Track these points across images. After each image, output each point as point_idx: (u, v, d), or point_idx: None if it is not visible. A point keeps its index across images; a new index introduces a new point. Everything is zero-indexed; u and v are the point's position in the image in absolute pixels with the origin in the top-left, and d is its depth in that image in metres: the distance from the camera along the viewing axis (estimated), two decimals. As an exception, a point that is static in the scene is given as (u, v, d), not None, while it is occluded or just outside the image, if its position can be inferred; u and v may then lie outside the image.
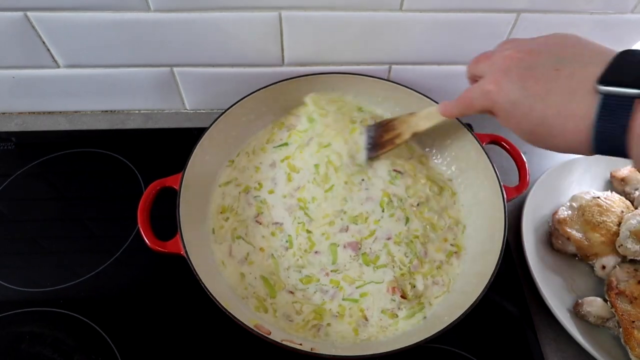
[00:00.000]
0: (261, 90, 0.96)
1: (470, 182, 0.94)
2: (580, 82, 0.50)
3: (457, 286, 0.84)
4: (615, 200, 0.93)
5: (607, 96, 0.47)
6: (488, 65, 0.61)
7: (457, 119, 0.94)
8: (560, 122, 0.51)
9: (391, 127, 0.91)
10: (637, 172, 0.98)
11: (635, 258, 0.86)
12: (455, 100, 0.69)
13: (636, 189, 0.96)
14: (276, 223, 0.90)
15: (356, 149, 0.93)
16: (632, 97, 0.45)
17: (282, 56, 1.01)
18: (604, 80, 0.47)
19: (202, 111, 1.16)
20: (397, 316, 0.81)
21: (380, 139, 0.92)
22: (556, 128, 0.52)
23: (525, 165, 0.90)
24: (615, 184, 1.00)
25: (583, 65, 0.51)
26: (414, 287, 0.83)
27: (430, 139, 1.01)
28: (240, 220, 0.90)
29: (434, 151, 1.01)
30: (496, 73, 0.58)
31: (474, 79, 0.67)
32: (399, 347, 0.70)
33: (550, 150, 0.56)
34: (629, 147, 0.46)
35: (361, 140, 0.93)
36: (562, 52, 0.54)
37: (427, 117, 0.86)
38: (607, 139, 0.48)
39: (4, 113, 1.13)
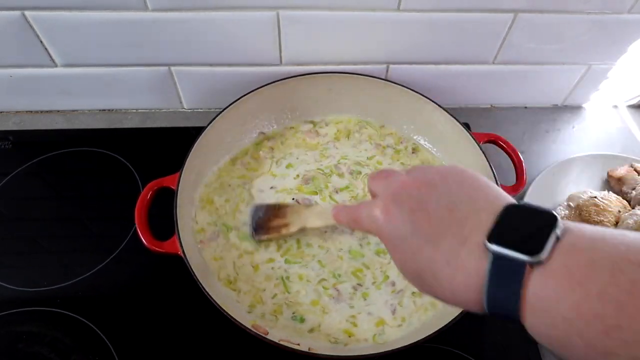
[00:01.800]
0: (259, 90, 0.97)
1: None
2: (472, 231, 0.45)
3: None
4: (612, 200, 0.93)
5: (497, 257, 0.42)
6: (383, 185, 0.55)
7: (454, 117, 0.95)
8: (450, 273, 0.46)
9: (282, 213, 0.87)
10: (634, 172, 0.98)
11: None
12: (347, 210, 0.63)
13: (633, 189, 0.96)
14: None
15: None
16: (522, 262, 0.40)
17: (280, 55, 1.01)
18: (493, 238, 0.43)
19: (199, 110, 1.16)
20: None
21: (268, 222, 0.88)
22: (444, 278, 0.46)
23: (522, 165, 0.90)
24: (612, 183, 1.00)
25: (476, 211, 0.47)
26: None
27: (428, 136, 1.02)
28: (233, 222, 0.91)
29: (431, 148, 1.02)
30: (387, 198, 0.53)
31: (371, 194, 0.61)
32: (397, 347, 0.70)
33: (436, 298, 0.51)
34: (523, 318, 0.42)
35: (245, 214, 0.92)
36: (457, 190, 0.50)
37: (320, 215, 0.84)
38: (499, 306, 0.43)
39: (1, 112, 1.13)
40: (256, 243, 0.88)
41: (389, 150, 1.03)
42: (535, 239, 0.41)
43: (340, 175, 0.98)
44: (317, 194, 0.95)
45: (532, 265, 0.40)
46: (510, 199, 0.47)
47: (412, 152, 1.02)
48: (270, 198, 0.93)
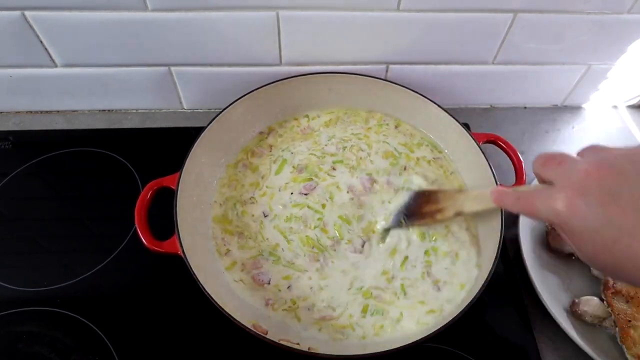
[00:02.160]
0: (259, 90, 0.97)
1: (467, 181, 0.95)
2: None
3: (454, 286, 0.84)
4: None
5: None
6: (559, 173, 0.52)
7: (454, 117, 0.95)
8: None
9: (434, 199, 0.86)
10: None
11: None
12: (514, 196, 0.60)
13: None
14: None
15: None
16: None
17: (280, 56, 1.02)
18: None
19: (199, 110, 1.16)
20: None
21: (420, 208, 0.87)
22: None
23: (522, 165, 0.90)
24: (612, 183, 1.00)
25: None
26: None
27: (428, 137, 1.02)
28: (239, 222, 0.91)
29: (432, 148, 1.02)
30: (570, 189, 0.50)
31: (540, 179, 0.58)
32: (396, 347, 0.70)
33: (635, 285, 0.50)
34: None
35: (397, 200, 0.91)
36: None
37: (477, 199, 0.80)
38: None
39: (1, 112, 1.13)
40: (400, 228, 0.87)
41: (373, 127, 1.04)
42: None
43: (333, 154, 0.98)
44: (312, 179, 0.94)
45: None
46: None
47: (395, 128, 1.04)
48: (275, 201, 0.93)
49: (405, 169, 0.96)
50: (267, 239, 0.88)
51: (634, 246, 0.45)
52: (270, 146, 1.00)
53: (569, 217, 0.49)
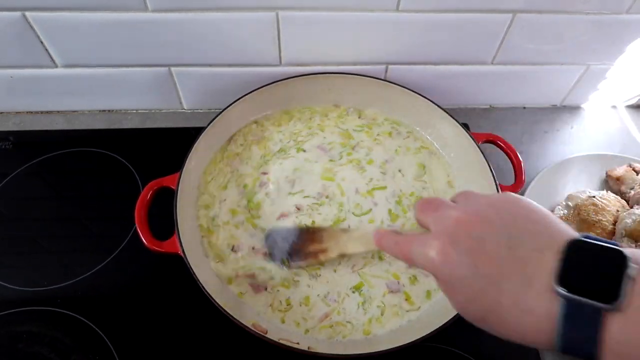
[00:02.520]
0: (258, 90, 0.97)
1: (467, 181, 0.95)
2: (537, 272, 0.44)
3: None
4: (610, 200, 0.93)
5: (570, 302, 0.41)
6: (434, 220, 0.53)
7: (453, 117, 0.95)
8: (517, 315, 0.44)
9: (318, 238, 0.84)
10: (633, 171, 0.98)
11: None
12: (393, 239, 0.59)
13: (631, 189, 0.96)
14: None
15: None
16: (598, 308, 0.40)
17: (280, 56, 1.02)
18: (563, 281, 0.42)
19: (199, 111, 1.16)
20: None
21: (304, 248, 0.85)
22: (511, 320, 0.45)
23: (521, 165, 0.90)
24: (610, 183, 1.00)
25: (538, 249, 0.45)
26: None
27: (427, 135, 1.02)
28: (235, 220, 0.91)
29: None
30: (443, 236, 0.50)
31: (420, 224, 0.58)
32: (395, 346, 0.70)
33: (501, 337, 0.49)
34: (601, 359, 0.40)
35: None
36: (514, 225, 0.48)
37: (360, 240, 0.80)
38: (575, 349, 0.42)
39: (1, 112, 1.13)
40: (287, 270, 0.84)
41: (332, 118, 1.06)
42: (608, 283, 0.40)
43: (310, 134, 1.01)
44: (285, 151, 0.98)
45: (609, 311, 0.39)
46: (572, 233, 0.46)
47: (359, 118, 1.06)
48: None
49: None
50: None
51: (497, 297, 0.46)
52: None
53: (441, 265, 0.49)
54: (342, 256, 0.82)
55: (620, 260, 0.41)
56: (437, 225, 0.52)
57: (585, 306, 0.40)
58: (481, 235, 0.48)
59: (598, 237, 0.44)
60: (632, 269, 0.40)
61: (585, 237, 0.44)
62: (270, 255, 0.85)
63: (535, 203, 0.50)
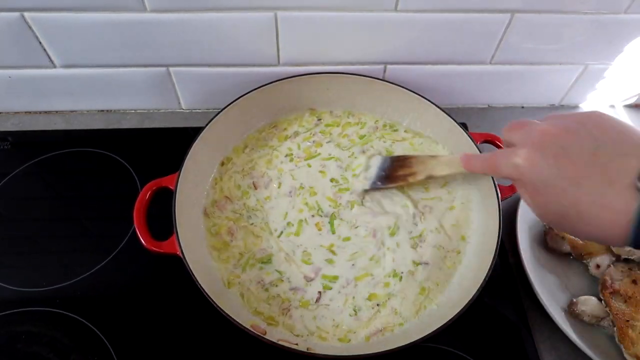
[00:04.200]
0: (257, 90, 0.97)
1: (463, 181, 0.95)
2: (619, 173, 0.47)
3: (452, 285, 0.85)
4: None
5: None
6: (522, 134, 0.57)
7: (452, 117, 0.95)
8: (595, 212, 0.48)
9: (407, 163, 0.91)
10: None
11: (629, 257, 0.86)
12: (480, 158, 0.67)
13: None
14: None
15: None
16: None
17: (278, 56, 1.02)
18: None
19: (198, 111, 1.16)
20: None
21: (394, 172, 0.92)
22: (590, 217, 0.49)
23: (519, 165, 0.90)
24: (609, 183, 1.01)
25: (622, 156, 0.48)
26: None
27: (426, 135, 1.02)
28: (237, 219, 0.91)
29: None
30: (530, 146, 0.55)
31: (507, 144, 0.63)
32: (395, 347, 0.70)
33: (578, 237, 0.53)
34: None
35: (371, 166, 0.95)
36: (600, 135, 0.51)
37: (448, 164, 0.85)
38: None
39: (0, 113, 1.13)
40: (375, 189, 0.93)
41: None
42: None
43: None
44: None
45: None
46: None
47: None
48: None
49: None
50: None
51: (577, 196, 0.50)
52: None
53: (526, 170, 0.54)
54: (430, 178, 0.88)
55: None
56: (525, 138, 0.56)
57: None
58: (566, 144, 0.52)
59: None
60: None
61: None
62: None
63: (619, 119, 0.53)
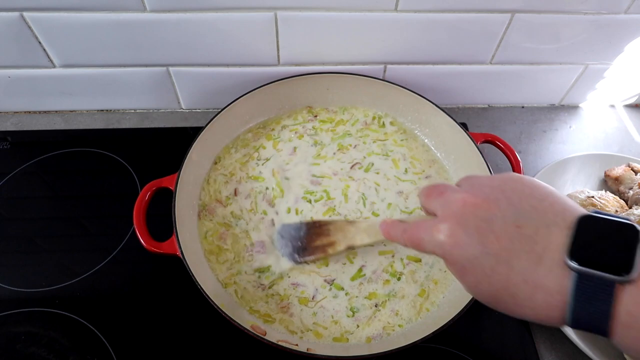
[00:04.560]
0: (257, 90, 0.97)
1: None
2: (546, 248, 0.44)
3: (451, 286, 0.85)
4: (609, 200, 0.93)
5: (582, 276, 0.41)
6: (440, 204, 0.54)
7: (452, 117, 0.95)
8: (529, 292, 0.45)
9: (325, 231, 0.84)
10: (631, 171, 0.98)
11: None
12: (401, 228, 0.59)
13: (630, 189, 0.96)
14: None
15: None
16: (610, 281, 0.40)
17: (278, 56, 1.02)
18: (575, 255, 0.42)
19: (197, 110, 1.16)
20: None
21: (311, 242, 0.85)
22: (523, 297, 0.46)
23: (519, 164, 0.90)
24: (609, 183, 1.00)
25: (546, 226, 0.46)
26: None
27: (428, 136, 1.02)
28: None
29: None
30: (450, 219, 0.51)
31: (426, 211, 0.59)
32: (396, 347, 0.70)
33: (515, 316, 0.49)
34: (612, 333, 0.41)
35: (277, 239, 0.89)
36: (520, 203, 0.48)
37: (367, 231, 0.78)
38: (586, 323, 0.42)
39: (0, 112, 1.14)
40: (296, 265, 0.85)
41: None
42: (620, 255, 0.41)
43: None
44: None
45: (622, 283, 0.40)
46: (580, 209, 0.46)
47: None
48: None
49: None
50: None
51: (507, 275, 0.46)
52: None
53: (451, 248, 0.50)
54: (350, 248, 0.81)
55: (632, 234, 0.41)
56: (445, 209, 0.52)
57: (597, 279, 0.40)
58: (488, 215, 0.48)
59: (608, 212, 0.44)
60: None
61: (596, 213, 0.44)
62: (281, 252, 0.86)
63: (538, 180, 0.51)
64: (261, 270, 0.85)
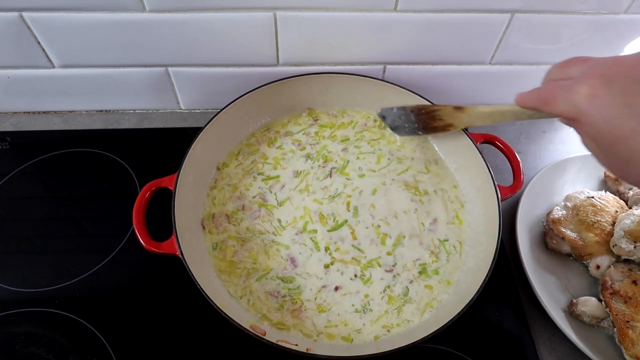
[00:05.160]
0: (256, 90, 0.97)
1: (462, 181, 0.95)
2: None
3: (453, 286, 0.85)
4: (609, 200, 0.93)
5: None
6: (585, 67, 0.51)
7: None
8: None
9: (437, 116, 0.92)
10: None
11: (630, 258, 0.86)
12: (536, 94, 0.57)
13: (630, 189, 0.96)
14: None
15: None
16: None
17: (277, 56, 1.02)
18: None
19: (197, 111, 1.16)
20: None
21: (427, 124, 0.94)
22: None
23: (519, 165, 0.90)
24: (609, 183, 1.00)
25: None
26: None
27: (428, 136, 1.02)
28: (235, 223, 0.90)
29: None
30: (596, 78, 0.48)
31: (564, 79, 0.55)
32: (395, 347, 0.70)
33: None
34: None
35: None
36: None
37: (480, 117, 0.86)
38: None
39: (-1, 113, 1.13)
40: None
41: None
42: None
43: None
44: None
45: None
46: None
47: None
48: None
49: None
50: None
51: (635, 137, 0.45)
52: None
53: (589, 104, 0.48)
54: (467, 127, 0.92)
55: None
56: (589, 70, 0.50)
57: None
58: (636, 76, 0.46)
59: None
60: None
61: None
62: (396, 129, 1.01)
63: None
64: (285, 280, 0.85)
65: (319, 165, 0.98)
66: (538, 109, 0.57)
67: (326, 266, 0.86)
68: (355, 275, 0.85)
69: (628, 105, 0.45)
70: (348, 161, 0.98)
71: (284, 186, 0.95)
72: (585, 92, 0.48)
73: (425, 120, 0.94)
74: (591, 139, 0.49)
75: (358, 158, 0.99)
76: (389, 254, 0.87)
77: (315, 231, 0.89)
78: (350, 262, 0.86)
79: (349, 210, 0.92)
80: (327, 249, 0.87)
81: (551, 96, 0.53)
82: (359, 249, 0.88)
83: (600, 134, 0.48)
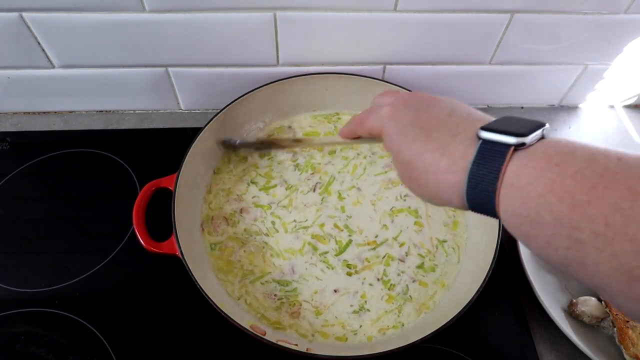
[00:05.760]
0: (256, 91, 0.97)
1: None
2: (466, 129, 0.50)
3: (452, 286, 0.85)
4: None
5: (485, 142, 0.47)
6: (394, 96, 0.61)
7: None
8: (437, 157, 0.50)
9: (279, 146, 0.90)
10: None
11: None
12: (352, 118, 0.67)
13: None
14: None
15: None
16: (508, 145, 0.45)
17: (277, 56, 1.02)
18: (487, 128, 0.47)
19: (197, 111, 1.16)
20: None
21: (270, 148, 0.95)
22: (431, 162, 0.51)
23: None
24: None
25: (472, 121, 0.52)
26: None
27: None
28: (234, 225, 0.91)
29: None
30: (399, 101, 0.59)
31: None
32: (394, 347, 0.70)
33: (421, 197, 0.56)
34: (498, 196, 0.45)
35: None
36: (459, 106, 0.56)
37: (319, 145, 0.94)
38: (478, 184, 0.46)
39: (-1, 113, 1.13)
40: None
41: None
42: (523, 126, 0.46)
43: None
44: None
45: (517, 148, 0.44)
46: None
47: None
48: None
49: None
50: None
51: (425, 142, 0.52)
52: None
53: (389, 120, 0.57)
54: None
55: (541, 124, 0.46)
56: (397, 97, 0.60)
57: (497, 144, 0.46)
58: (430, 103, 0.56)
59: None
60: (548, 130, 0.46)
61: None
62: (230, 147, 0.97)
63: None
64: (281, 283, 0.85)
65: (306, 178, 0.98)
66: (356, 132, 0.67)
67: (348, 274, 0.87)
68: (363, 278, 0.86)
69: (415, 119, 0.55)
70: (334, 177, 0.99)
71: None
72: (388, 109, 0.59)
73: (267, 147, 0.94)
74: (389, 144, 0.58)
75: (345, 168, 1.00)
76: (388, 254, 0.88)
77: (327, 252, 0.89)
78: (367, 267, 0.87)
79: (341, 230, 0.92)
80: (348, 266, 0.88)
81: (365, 117, 0.64)
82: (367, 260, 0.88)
83: (393, 142, 0.56)
